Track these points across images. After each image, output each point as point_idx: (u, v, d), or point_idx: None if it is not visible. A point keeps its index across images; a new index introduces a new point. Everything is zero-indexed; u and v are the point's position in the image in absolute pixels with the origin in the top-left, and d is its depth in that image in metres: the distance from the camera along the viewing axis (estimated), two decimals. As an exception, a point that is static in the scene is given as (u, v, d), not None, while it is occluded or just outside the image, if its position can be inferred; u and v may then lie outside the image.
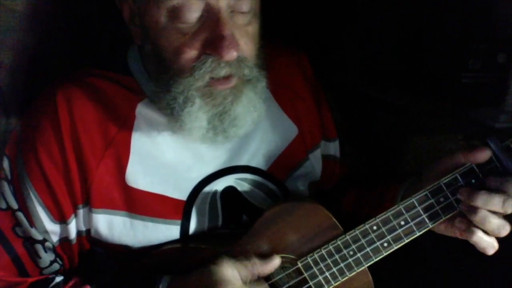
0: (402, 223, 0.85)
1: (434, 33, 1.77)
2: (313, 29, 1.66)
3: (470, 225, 0.82)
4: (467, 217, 0.82)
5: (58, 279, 0.90)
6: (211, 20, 0.78)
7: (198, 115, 0.82)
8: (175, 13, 0.77)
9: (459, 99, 1.70)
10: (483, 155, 0.81)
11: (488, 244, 0.82)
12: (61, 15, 1.06)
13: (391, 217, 0.85)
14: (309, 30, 1.51)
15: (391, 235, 0.85)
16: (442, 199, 0.83)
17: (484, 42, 1.70)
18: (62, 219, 0.87)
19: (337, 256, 0.87)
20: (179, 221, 0.91)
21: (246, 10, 0.80)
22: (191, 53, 0.79)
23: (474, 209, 0.80)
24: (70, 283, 0.90)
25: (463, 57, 1.70)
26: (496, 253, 0.83)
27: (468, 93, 1.70)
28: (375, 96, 1.80)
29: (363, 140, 1.46)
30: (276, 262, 0.87)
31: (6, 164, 0.88)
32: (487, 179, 0.81)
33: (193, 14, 0.78)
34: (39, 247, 0.89)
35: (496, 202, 0.78)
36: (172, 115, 0.83)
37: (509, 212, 0.79)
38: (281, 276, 0.90)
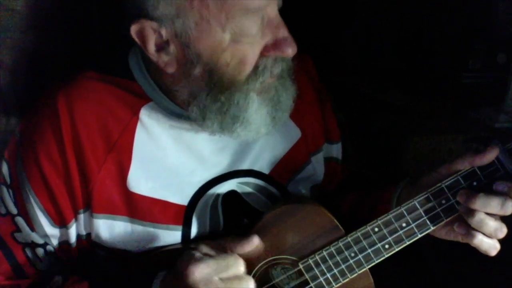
0: (404, 225, 0.85)
1: (434, 33, 1.77)
2: (313, 30, 1.66)
3: (470, 229, 0.82)
4: (465, 221, 0.82)
5: (57, 278, 0.90)
6: (269, 25, 0.79)
7: (259, 111, 0.84)
8: (239, 31, 0.77)
9: (459, 99, 1.71)
10: (492, 154, 0.81)
11: (490, 245, 0.82)
12: (61, 15, 1.05)
13: (392, 219, 0.85)
14: (309, 31, 1.51)
15: (393, 237, 0.85)
16: (443, 201, 0.83)
17: (484, 42, 1.71)
18: (62, 224, 0.87)
19: (338, 258, 0.87)
20: (180, 227, 0.90)
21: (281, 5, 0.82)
22: (254, 61, 0.80)
23: (472, 212, 0.80)
24: (69, 281, 0.89)
25: (463, 57, 1.70)
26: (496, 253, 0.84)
27: (468, 93, 1.70)
28: (375, 96, 1.81)
29: (363, 140, 1.46)
30: (254, 240, 0.85)
31: (5, 168, 0.87)
32: (495, 184, 0.81)
33: (257, 26, 0.78)
34: (40, 250, 0.89)
35: (494, 204, 0.78)
36: (227, 123, 0.84)
37: (508, 213, 0.80)
38: (282, 277, 0.90)
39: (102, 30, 1.06)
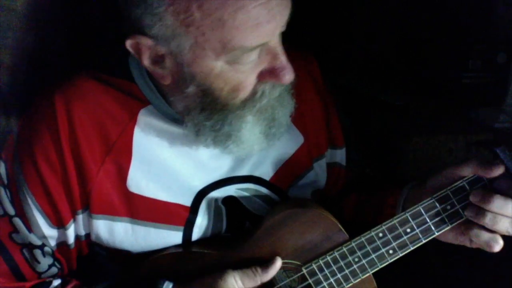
0: (408, 230, 0.85)
1: (434, 33, 1.77)
2: (313, 30, 1.66)
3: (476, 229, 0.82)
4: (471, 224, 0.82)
5: (56, 282, 0.90)
6: (268, 53, 0.78)
7: (252, 131, 0.84)
8: (235, 60, 0.76)
9: (459, 99, 1.70)
10: (497, 171, 0.80)
11: (491, 238, 0.82)
12: (61, 15, 1.05)
13: (397, 224, 0.85)
14: (309, 32, 1.50)
15: (397, 242, 0.85)
16: (448, 207, 0.83)
17: (484, 42, 1.70)
18: (60, 225, 0.87)
19: (342, 263, 0.87)
20: (182, 227, 0.90)
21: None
22: (250, 87, 0.79)
23: (483, 212, 0.80)
24: (68, 286, 0.89)
25: (463, 57, 1.70)
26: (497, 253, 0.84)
27: (468, 93, 1.70)
28: (375, 97, 1.80)
29: (363, 140, 1.45)
30: (277, 264, 0.87)
31: (2, 168, 0.87)
32: (498, 182, 0.81)
33: (254, 56, 0.77)
34: (37, 252, 0.88)
35: (511, 207, 0.78)
36: (220, 140, 0.84)
37: None
38: (285, 282, 0.90)
39: (102, 31, 1.05)
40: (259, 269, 0.86)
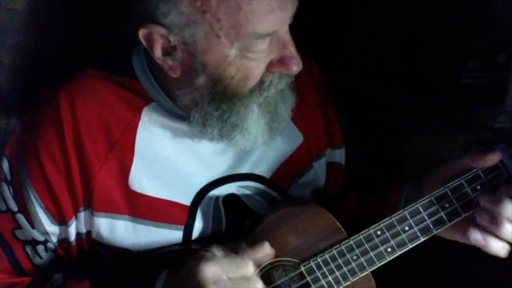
0: (407, 228, 0.84)
1: (434, 33, 1.77)
2: (314, 30, 1.66)
3: (483, 232, 0.81)
4: (474, 223, 0.82)
5: (57, 276, 0.90)
6: (278, 43, 0.79)
7: (257, 122, 0.85)
8: (247, 48, 0.77)
9: (459, 99, 1.70)
10: (493, 158, 0.80)
11: (503, 246, 0.81)
12: (61, 14, 1.05)
13: (395, 222, 0.84)
14: (309, 32, 1.50)
15: (395, 240, 0.85)
16: (447, 205, 0.83)
17: (484, 42, 1.70)
18: (62, 222, 0.87)
19: (340, 261, 0.87)
20: (182, 226, 0.90)
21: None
22: (259, 76, 0.81)
23: (495, 220, 0.78)
24: (70, 280, 0.89)
25: (463, 57, 1.70)
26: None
27: (468, 93, 1.70)
28: (375, 97, 1.81)
29: (364, 140, 1.46)
30: (266, 247, 0.85)
31: (6, 165, 0.87)
32: (499, 188, 0.80)
33: (265, 43, 0.78)
34: (40, 248, 0.88)
35: None
36: (227, 131, 0.84)
37: None
38: (283, 280, 0.89)
39: (105, 29, 1.05)
40: (243, 244, 0.85)
